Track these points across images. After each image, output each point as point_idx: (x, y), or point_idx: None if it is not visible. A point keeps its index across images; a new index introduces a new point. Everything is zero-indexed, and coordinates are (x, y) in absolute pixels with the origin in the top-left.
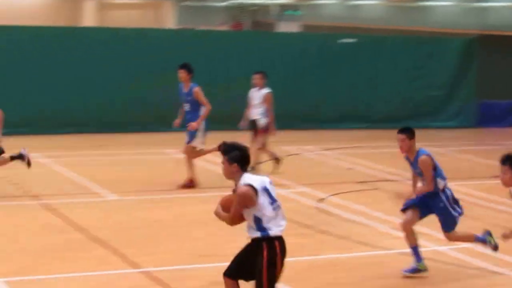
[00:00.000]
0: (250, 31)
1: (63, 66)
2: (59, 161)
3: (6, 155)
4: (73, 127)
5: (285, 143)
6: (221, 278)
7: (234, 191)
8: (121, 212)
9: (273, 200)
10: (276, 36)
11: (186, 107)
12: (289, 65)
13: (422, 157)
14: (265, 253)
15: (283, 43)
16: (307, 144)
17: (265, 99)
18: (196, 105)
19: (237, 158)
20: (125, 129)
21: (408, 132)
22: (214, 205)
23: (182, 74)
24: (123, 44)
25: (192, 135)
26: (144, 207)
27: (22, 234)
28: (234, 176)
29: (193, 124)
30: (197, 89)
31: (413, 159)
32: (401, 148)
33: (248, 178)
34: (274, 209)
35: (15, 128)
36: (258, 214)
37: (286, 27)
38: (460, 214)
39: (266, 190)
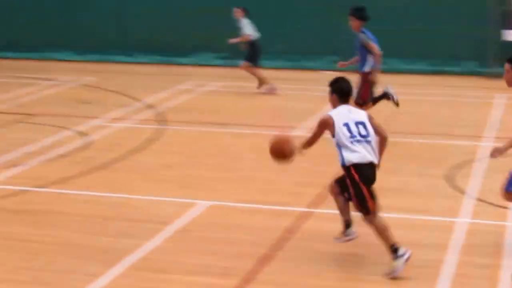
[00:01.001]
0: None
1: None
2: None
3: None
4: None
5: None
6: None
7: None
8: None
9: (352, 135)
10: None
11: None
12: None
13: None
14: (347, 178)
15: None
16: None
17: None
18: None
19: (336, 89)
20: None
21: None
22: None
23: None
24: None
25: None
26: None
27: None
28: (333, 105)
29: None
30: None
31: None
32: (505, 78)
33: (336, 110)
34: (351, 142)
35: None
36: (338, 144)
37: None
38: None
39: (346, 125)
